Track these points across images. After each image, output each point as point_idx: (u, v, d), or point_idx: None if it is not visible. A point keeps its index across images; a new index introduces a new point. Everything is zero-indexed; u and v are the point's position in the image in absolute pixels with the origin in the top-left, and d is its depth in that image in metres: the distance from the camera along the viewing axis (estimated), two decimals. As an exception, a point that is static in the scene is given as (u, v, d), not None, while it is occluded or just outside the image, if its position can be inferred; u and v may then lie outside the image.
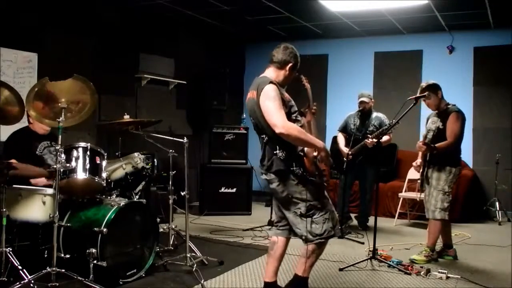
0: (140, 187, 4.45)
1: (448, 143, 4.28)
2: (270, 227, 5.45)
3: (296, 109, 3.11)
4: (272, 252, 3.20)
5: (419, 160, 4.56)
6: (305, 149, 3.00)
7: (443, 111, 4.40)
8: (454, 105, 4.44)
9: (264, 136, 3.05)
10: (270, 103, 2.88)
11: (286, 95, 3.05)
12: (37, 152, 3.93)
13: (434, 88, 4.40)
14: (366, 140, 5.14)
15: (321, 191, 3.07)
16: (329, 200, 3.12)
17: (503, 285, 3.82)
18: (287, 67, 3.11)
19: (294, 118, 3.02)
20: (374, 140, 4.82)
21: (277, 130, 2.84)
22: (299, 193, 2.98)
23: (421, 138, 4.47)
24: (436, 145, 4.36)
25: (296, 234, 3.11)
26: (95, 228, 3.43)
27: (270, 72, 3.13)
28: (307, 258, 3.07)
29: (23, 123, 3.92)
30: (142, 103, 6.52)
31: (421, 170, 4.52)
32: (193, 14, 6.60)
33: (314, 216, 3.00)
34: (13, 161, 3.49)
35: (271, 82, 2.97)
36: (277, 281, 3.25)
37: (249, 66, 8.75)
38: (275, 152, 2.99)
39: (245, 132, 6.89)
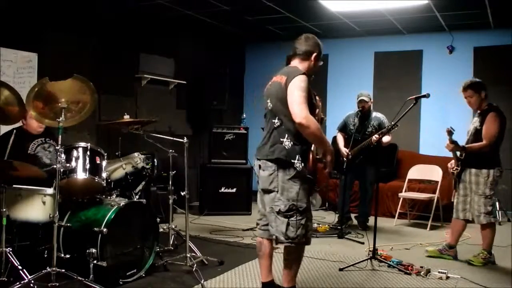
0: (140, 187, 4.44)
1: (481, 145, 4.21)
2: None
3: (316, 108, 3.09)
4: (261, 253, 3.18)
5: (453, 162, 4.50)
6: (312, 148, 3.00)
7: (484, 112, 4.30)
8: (496, 105, 4.32)
9: (276, 121, 2.99)
10: (298, 92, 2.87)
11: (314, 92, 3.05)
12: (29, 152, 3.91)
13: (477, 87, 4.31)
14: (373, 137, 5.08)
15: (310, 194, 3.04)
16: (311, 208, 3.07)
17: (503, 285, 3.82)
18: (312, 57, 3.13)
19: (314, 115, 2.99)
20: (378, 137, 4.76)
21: (298, 120, 2.82)
22: (287, 190, 2.93)
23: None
24: (466, 145, 4.30)
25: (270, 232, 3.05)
26: (95, 228, 3.43)
27: (297, 64, 3.12)
28: (289, 269, 3.04)
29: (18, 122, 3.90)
30: (142, 103, 6.52)
31: (453, 171, 4.46)
32: (193, 14, 6.60)
33: (291, 218, 2.93)
34: None
35: (304, 74, 2.96)
36: (273, 280, 3.24)
37: (249, 66, 8.76)
38: (281, 139, 2.95)
39: (245, 132, 6.88)
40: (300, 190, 2.94)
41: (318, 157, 3.08)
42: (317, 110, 3.09)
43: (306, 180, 2.97)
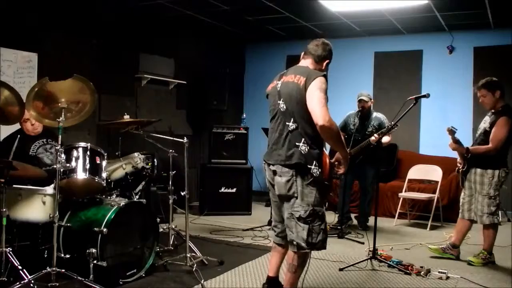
0: (140, 187, 4.45)
1: (487, 149, 4.17)
2: (270, 227, 5.44)
3: None
4: (277, 249, 3.22)
5: (459, 160, 4.48)
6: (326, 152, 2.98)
7: (497, 112, 4.22)
8: (510, 107, 4.23)
9: (291, 123, 2.90)
10: (322, 94, 2.80)
11: None
12: (30, 153, 3.91)
13: (491, 87, 4.22)
14: (372, 137, 5.06)
15: (325, 198, 3.03)
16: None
17: (503, 285, 3.82)
18: (324, 63, 3.09)
19: None
20: (377, 137, 4.76)
21: (321, 123, 2.75)
22: (306, 195, 2.86)
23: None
24: (470, 148, 4.26)
25: (287, 238, 2.98)
26: (95, 228, 3.43)
27: (309, 64, 3.07)
28: (294, 272, 2.97)
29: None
30: (142, 103, 6.52)
31: (458, 168, 4.44)
32: (193, 14, 6.60)
33: (313, 224, 2.87)
34: None
35: (324, 76, 2.91)
36: (278, 277, 3.24)
37: (249, 66, 8.76)
38: (297, 144, 2.86)
39: (245, 132, 6.88)
40: (317, 196, 2.88)
41: (332, 161, 3.04)
42: None
43: (322, 185, 2.92)
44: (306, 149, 2.86)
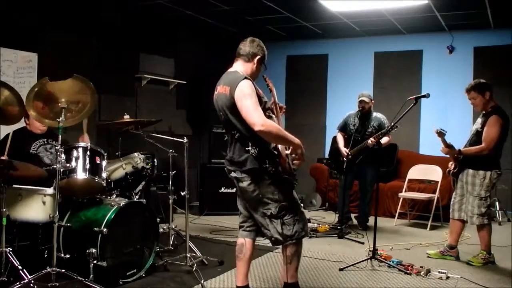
0: (140, 187, 4.45)
1: (479, 149, 4.17)
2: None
3: (269, 105, 3.04)
4: (242, 255, 3.10)
5: (451, 163, 4.48)
6: (279, 147, 2.94)
7: (488, 113, 4.25)
8: (500, 107, 4.26)
9: (235, 132, 2.93)
10: (247, 100, 2.79)
11: (260, 90, 2.97)
12: (31, 151, 3.91)
13: (480, 88, 4.25)
14: (368, 140, 5.11)
15: (293, 188, 3.02)
16: (299, 200, 3.07)
17: (503, 285, 3.82)
18: (255, 60, 3.08)
19: (268, 114, 2.94)
20: (374, 140, 4.82)
21: (257, 128, 2.74)
22: (271, 193, 2.90)
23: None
24: (462, 149, 4.26)
25: (264, 235, 3.02)
26: (95, 228, 3.43)
27: (239, 66, 3.07)
28: (289, 263, 3.01)
29: (22, 122, 3.91)
30: (142, 103, 6.52)
31: (451, 169, 4.45)
32: (193, 14, 6.60)
33: (285, 218, 2.92)
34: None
35: (245, 78, 2.89)
36: (249, 284, 3.17)
37: (249, 66, 8.74)
38: (247, 149, 2.89)
39: (245, 132, 6.87)
40: (283, 191, 2.92)
41: (287, 152, 2.99)
42: (268, 104, 3.02)
43: (284, 180, 2.93)
44: (256, 152, 2.88)
